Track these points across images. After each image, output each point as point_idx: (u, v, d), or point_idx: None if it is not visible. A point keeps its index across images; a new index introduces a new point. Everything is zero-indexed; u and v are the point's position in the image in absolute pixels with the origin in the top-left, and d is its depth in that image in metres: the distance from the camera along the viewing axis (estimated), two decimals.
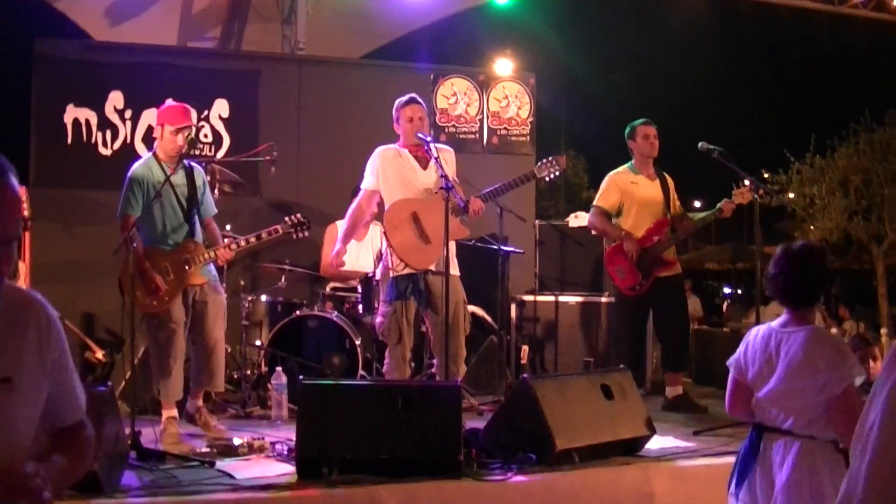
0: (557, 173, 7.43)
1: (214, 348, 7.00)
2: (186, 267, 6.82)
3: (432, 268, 7.02)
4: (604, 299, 9.54)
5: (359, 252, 8.68)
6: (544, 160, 7.50)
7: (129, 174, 6.86)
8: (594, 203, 8.33)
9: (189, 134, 6.93)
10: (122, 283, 6.60)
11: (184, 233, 6.92)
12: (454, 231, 6.84)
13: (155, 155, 6.95)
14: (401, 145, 7.28)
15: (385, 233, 7.11)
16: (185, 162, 7.05)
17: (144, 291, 6.70)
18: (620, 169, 8.29)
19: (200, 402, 7.03)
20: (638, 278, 7.97)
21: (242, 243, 7.06)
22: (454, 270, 7.03)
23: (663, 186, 8.21)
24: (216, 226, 7.30)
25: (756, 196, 7.65)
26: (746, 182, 7.75)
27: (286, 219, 7.26)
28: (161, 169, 6.85)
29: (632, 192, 8.11)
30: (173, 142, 6.85)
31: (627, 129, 8.31)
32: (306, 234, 7.34)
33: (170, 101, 7.70)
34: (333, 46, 12.18)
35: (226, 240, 7.23)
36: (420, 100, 7.31)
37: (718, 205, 7.92)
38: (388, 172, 7.21)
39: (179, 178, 6.94)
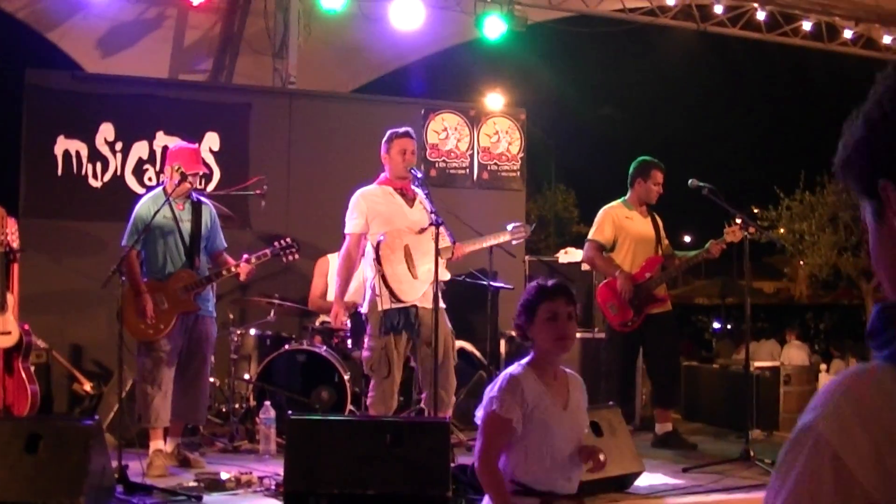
0: (521, 241, 7.93)
1: (197, 380, 6.99)
2: (180, 295, 6.83)
3: (418, 303, 6.94)
4: (594, 335, 9.50)
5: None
6: (517, 224, 7.53)
7: (135, 210, 6.96)
8: (589, 237, 8.23)
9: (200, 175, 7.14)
10: (120, 314, 6.59)
11: (183, 267, 6.97)
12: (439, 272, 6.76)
13: (164, 190, 7.00)
14: (382, 181, 7.08)
15: (379, 261, 6.89)
16: (194, 197, 7.09)
17: (140, 318, 6.73)
18: (614, 203, 8.23)
19: (179, 440, 7.01)
20: (630, 315, 7.94)
21: (233, 269, 7.05)
22: (441, 304, 6.96)
23: (654, 224, 8.20)
24: (228, 257, 7.27)
25: (746, 234, 7.61)
26: (738, 220, 7.73)
27: (275, 243, 7.27)
28: (169, 205, 6.89)
29: (626, 227, 8.07)
30: (184, 185, 6.90)
31: (640, 166, 8.19)
32: (296, 256, 7.35)
33: (181, 142, 7.65)
34: (324, 80, 12.22)
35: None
36: (413, 134, 7.20)
37: (707, 245, 7.90)
38: (375, 213, 6.94)
39: (186, 214, 7.02)
